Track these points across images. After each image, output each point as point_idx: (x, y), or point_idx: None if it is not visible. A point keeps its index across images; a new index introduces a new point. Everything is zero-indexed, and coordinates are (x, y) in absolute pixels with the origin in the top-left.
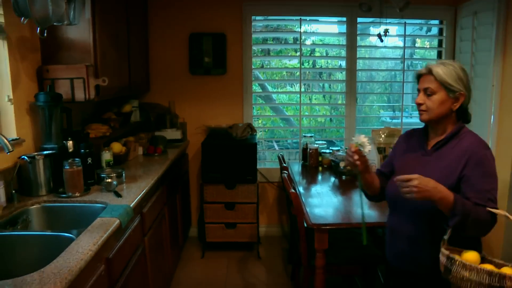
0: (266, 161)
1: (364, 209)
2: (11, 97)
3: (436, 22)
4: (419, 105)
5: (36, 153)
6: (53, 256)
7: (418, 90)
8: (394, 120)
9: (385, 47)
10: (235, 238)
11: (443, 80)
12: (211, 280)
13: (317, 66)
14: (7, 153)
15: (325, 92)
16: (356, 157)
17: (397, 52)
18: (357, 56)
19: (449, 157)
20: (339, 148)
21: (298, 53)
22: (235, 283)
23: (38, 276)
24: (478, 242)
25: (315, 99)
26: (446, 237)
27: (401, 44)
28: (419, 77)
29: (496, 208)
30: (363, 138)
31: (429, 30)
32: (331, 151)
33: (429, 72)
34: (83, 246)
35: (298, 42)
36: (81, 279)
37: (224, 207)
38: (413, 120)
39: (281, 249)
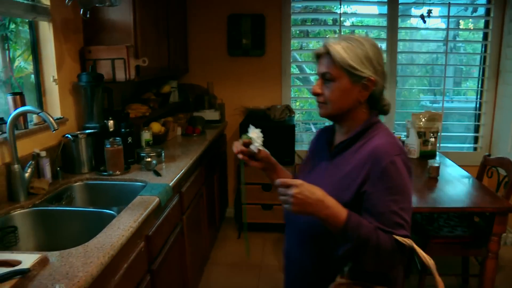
0: (304, 143)
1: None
2: (56, 77)
3: (484, 1)
4: (315, 95)
5: (79, 132)
6: (95, 231)
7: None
8: (434, 105)
9: (427, 28)
10: (271, 219)
11: (344, 62)
12: (246, 260)
13: None
14: (53, 131)
15: None
16: (239, 148)
17: (439, 34)
18: (398, 38)
19: (350, 165)
20: None
21: (337, 35)
22: (270, 264)
23: (83, 249)
24: (396, 276)
25: None
26: (346, 268)
27: (443, 25)
28: (317, 57)
29: (407, 235)
30: (254, 133)
31: (475, 10)
32: None
33: (327, 51)
34: (124, 223)
35: (337, 23)
36: (122, 254)
37: (261, 189)
38: (455, 105)
39: None
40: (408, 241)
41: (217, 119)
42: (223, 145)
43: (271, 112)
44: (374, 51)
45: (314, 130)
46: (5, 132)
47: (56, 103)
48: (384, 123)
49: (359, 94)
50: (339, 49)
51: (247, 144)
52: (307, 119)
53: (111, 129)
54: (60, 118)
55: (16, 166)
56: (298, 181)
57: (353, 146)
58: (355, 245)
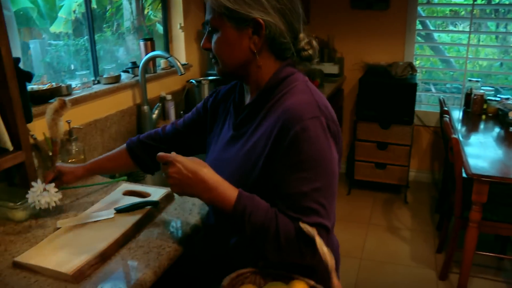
0: (422, 104)
1: None
2: (182, 24)
3: None
4: (206, 50)
5: (202, 78)
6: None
7: None
8: None
9: None
10: (383, 179)
11: (219, 5)
12: (354, 217)
13: (494, 2)
14: (180, 75)
15: (499, 32)
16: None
17: None
18: None
19: (257, 133)
20: (509, 96)
21: None
22: (378, 223)
23: None
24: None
25: (482, 41)
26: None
27: None
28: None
29: (321, 222)
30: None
31: None
32: (499, 99)
33: None
34: None
35: None
36: None
37: (376, 147)
38: None
39: (430, 197)
40: (310, 230)
41: (336, 73)
42: (340, 100)
43: (392, 68)
44: None
45: (433, 90)
46: (137, 75)
47: (181, 49)
48: (303, 75)
49: (250, 42)
50: None
51: None
52: (427, 79)
53: None
54: (185, 64)
55: (145, 107)
56: (177, 157)
57: (262, 110)
58: (249, 234)
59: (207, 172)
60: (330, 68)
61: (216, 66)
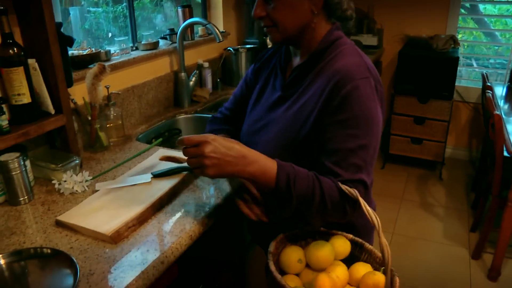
0: (462, 79)
1: None
2: None
3: None
4: (259, 19)
5: (239, 46)
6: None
7: None
8: None
9: None
10: (419, 154)
11: None
12: (388, 191)
13: None
14: (218, 41)
15: None
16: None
17: None
18: None
19: (307, 93)
20: None
21: None
22: (411, 199)
23: None
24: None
25: None
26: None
27: None
28: None
29: (364, 181)
30: None
31: None
32: None
33: None
34: None
35: None
36: None
37: (413, 121)
38: None
39: (466, 175)
40: (353, 192)
41: (375, 45)
42: (378, 72)
43: (433, 41)
44: None
45: (475, 65)
46: (175, 42)
47: (219, 17)
48: (349, 39)
49: (311, 3)
50: None
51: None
52: (470, 53)
53: (269, 46)
54: (223, 32)
55: (183, 74)
56: (209, 136)
57: (311, 72)
58: (295, 202)
59: (243, 147)
60: (368, 40)
61: (271, 34)
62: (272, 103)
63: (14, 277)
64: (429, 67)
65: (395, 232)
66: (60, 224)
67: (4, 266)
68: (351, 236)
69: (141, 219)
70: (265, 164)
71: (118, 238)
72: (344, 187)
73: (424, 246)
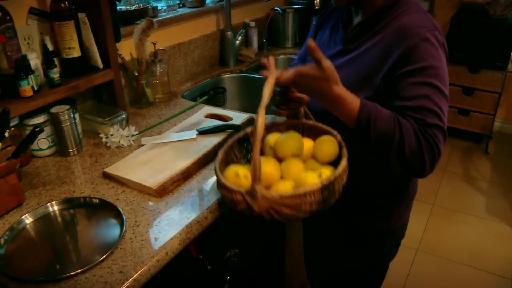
0: None
1: None
2: None
3: None
4: None
5: (286, 7)
6: None
7: None
8: None
9: None
10: (465, 126)
11: None
12: None
13: None
14: (266, 1)
15: None
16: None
17: None
18: None
19: (372, 51)
20: None
21: None
22: (454, 171)
23: None
24: None
25: None
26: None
27: None
28: None
29: (440, 125)
30: None
31: None
32: None
33: None
34: None
35: None
36: None
37: (461, 91)
38: None
39: None
40: (429, 138)
41: (426, 10)
42: None
43: (490, 7)
44: None
45: None
46: (222, 0)
47: None
48: None
49: None
50: None
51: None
52: None
53: (317, 7)
54: None
55: (229, 33)
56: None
57: (375, 28)
58: (373, 141)
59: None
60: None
61: None
62: (332, 55)
63: (65, 223)
64: (484, 34)
65: (435, 204)
66: (107, 176)
67: (56, 212)
68: (339, 138)
69: (186, 175)
70: (348, 93)
71: (163, 192)
72: (422, 130)
73: (465, 219)
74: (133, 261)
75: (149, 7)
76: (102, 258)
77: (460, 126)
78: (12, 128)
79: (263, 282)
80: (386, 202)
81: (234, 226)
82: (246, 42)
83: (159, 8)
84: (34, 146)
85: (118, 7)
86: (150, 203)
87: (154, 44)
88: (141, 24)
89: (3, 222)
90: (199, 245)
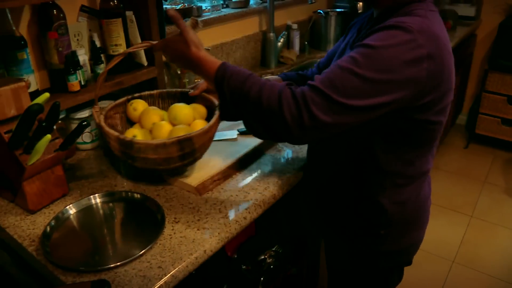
0: None
1: None
2: None
3: None
4: None
5: (329, 10)
6: None
7: None
8: None
9: None
10: (509, 137)
11: None
12: (469, 172)
13: None
14: (309, 3)
15: None
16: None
17: None
18: None
19: None
20: None
21: None
22: (495, 183)
23: None
24: None
25: None
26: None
27: None
28: None
29: (321, 88)
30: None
31: None
32: None
33: None
34: None
35: None
36: None
37: (506, 101)
38: None
39: None
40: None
41: (472, 16)
42: (471, 46)
43: None
44: None
45: None
46: (265, 2)
47: None
48: (433, 5)
49: None
50: None
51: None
52: None
53: (359, 11)
54: None
55: (271, 34)
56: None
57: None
58: (228, 98)
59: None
60: (465, 10)
61: None
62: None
63: (106, 216)
64: None
65: (473, 216)
66: None
67: (99, 204)
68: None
69: (226, 174)
70: (209, 57)
71: (203, 190)
72: (293, 90)
73: (504, 233)
74: (171, 257)
75: (194, 6)
76: (141, 252)
77: (504, 137)
78: (59, 121)
79: (297, 285)
80: (371, 222)
81: (271, 227)
82: (288, 44)
83: (203, 8)
84: (78, 139)
85: (164, 6)
86: (190, 201)
87: None
88: (186, 23)
89: (49, 211)
90: (234, 244)
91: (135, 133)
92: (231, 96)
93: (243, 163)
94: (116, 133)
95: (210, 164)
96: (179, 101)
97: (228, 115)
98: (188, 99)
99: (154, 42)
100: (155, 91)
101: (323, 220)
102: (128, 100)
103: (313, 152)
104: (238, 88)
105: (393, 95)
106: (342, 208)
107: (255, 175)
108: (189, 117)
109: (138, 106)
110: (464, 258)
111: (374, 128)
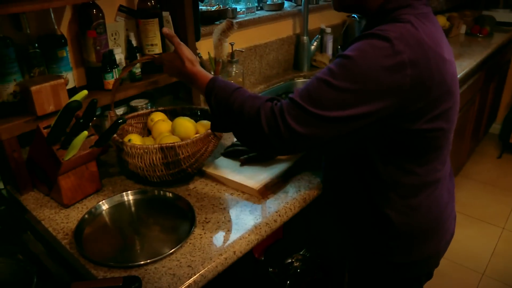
0: None
1: None
2: None
3: None
4: None
5: None
6: None
7: None
8: None
9: None
10: None
11: None
12: (502, 183)
13: None
14: None
15: None
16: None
17: None
18: None
19: None
20: None
21: None
22: None
23: None
24: None
25: None
26: None
27: None
28: None
29: (297, 100)
30: None
31: None
32: None
33: None
34: None
35: None
36: None
37: None
38: None
39: None
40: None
41: (511, 22)
42: (509, 52)
43: None
44: None
45: None
46: (300, 5)
47: None
48: (421, 11)
49: None
50: None
51: None
52: None
53: None
54: None
55: (305, 37)
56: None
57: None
58: (213, 105)
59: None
60: (504, 16)
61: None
62: None
63: (137, 213)
64: None
65: (506, 227)
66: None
67: (131, 201)
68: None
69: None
70: (203, 72)
71: (265, 193)
72: (272, 104)
73: None
74: (201, 256)
75: (229, 8)
76: (172, 251)
77: None
78: (95, 118)
79: None
80: (380, 234)
81: (300, 230)
82: (321, 48)
83: (238, 10)
84: None
85: (199, 7)
86: (221, 201)
87: (232, 45)
88: (222, 24)
89: (82, 206)
90: (262, 246)
91: (132, 138)
92: (217, 108)
93: (298, 168)
94: (114, 135)
95: (267, 168)
96: (200, 119)
97: (217, 127)
98: (206, 117)
99: (156, 55)
100: (178, 107)
101: (338, 228)
102: (150, 112)
103: (326, 163)
104: (224, 100)
105: (373, 105)
106: (354, 220)
107: (287, 178)
108: (189, 131)
109: (155, 117)
110: (494, 271)
111: (366, 139)
